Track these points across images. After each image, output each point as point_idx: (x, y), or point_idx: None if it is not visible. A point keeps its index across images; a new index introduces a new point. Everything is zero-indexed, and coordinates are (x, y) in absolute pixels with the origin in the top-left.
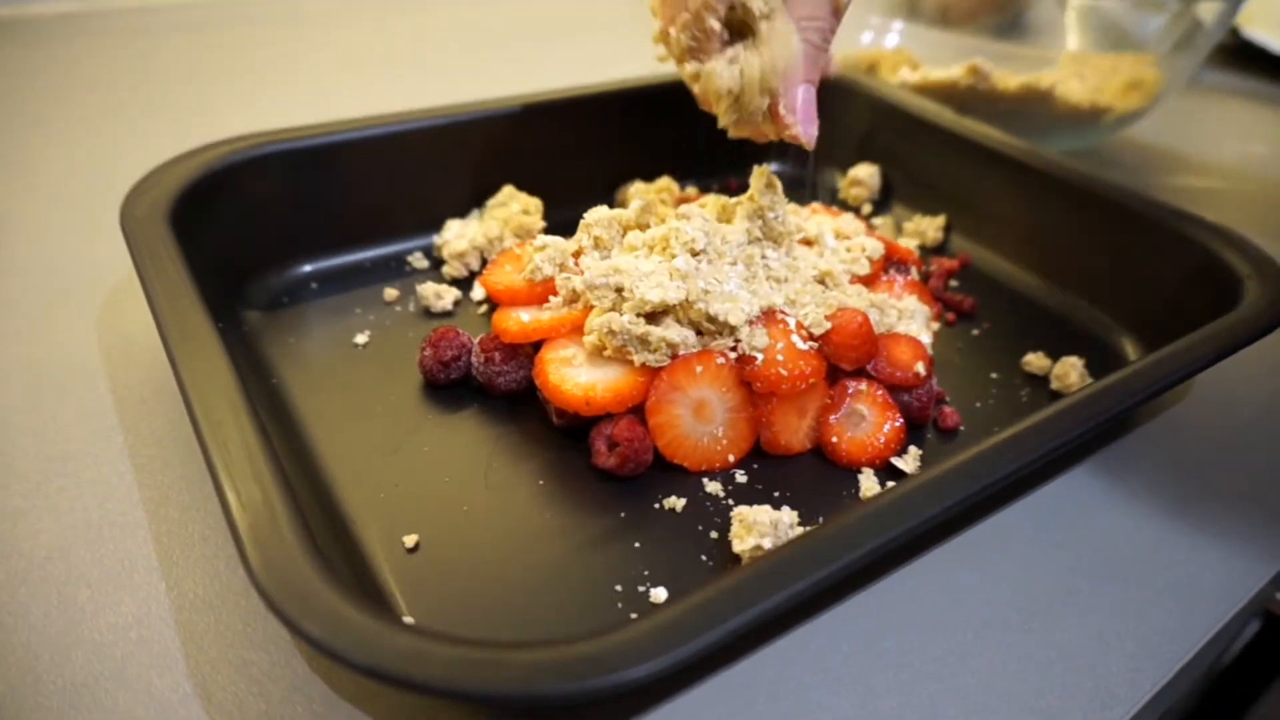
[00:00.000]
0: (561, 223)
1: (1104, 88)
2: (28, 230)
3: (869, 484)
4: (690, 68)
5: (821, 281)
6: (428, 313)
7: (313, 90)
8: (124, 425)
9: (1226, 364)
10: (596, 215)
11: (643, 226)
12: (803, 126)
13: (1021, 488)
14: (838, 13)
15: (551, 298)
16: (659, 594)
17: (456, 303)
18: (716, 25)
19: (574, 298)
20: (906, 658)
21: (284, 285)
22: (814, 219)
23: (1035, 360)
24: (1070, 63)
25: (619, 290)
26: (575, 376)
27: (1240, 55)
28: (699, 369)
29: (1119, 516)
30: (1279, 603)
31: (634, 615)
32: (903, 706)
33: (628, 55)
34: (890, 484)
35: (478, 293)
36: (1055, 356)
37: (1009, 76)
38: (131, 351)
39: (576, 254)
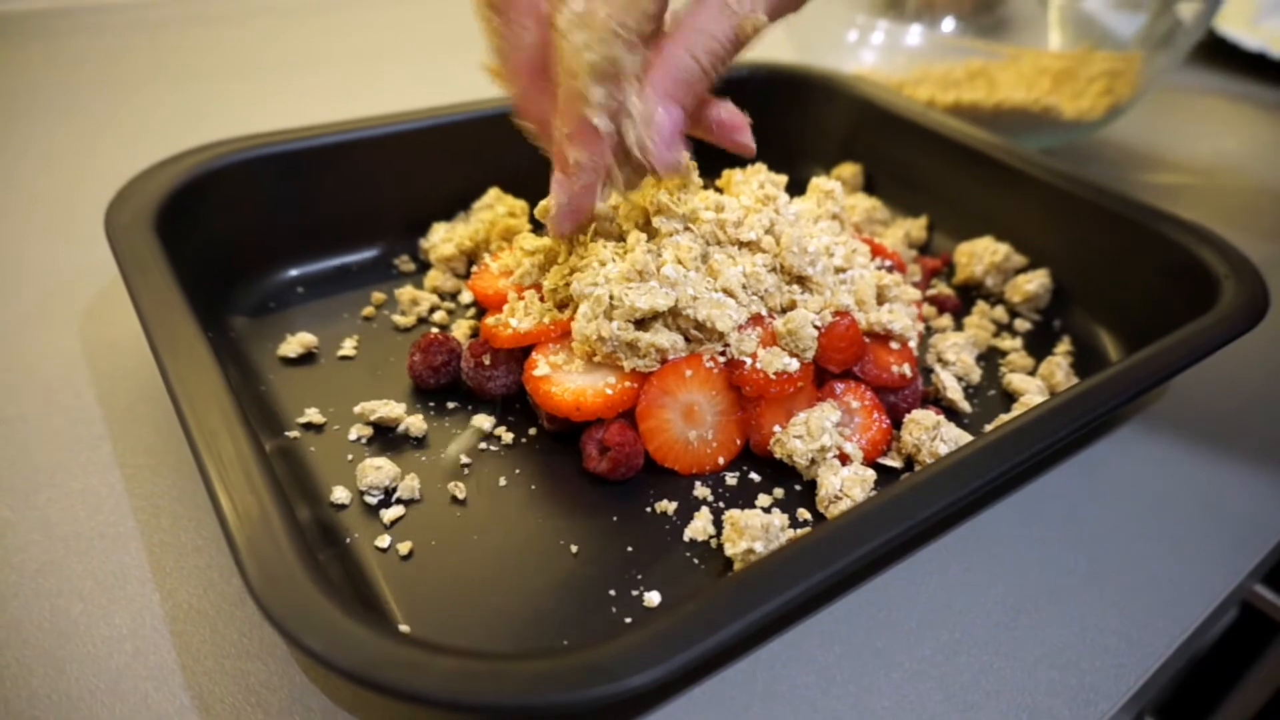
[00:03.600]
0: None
1: (1084, 87)
2: (8, 235)
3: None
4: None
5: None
6: (415, 317)
7: (295, 91)
8: (112, 434)
9: (1203, 362)
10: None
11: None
12: (658, 150)
13: (1007, 487)
14: (738, 42)
15: (539, 301)
16: (652, 598)
17: (444, 306)
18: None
19: (563, 303)
20: (898, 657)
21: (270, 290)
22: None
23: (1018, 359)
24: (1051, 61)
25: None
26: (565, 382)
27: (1212, 51)
28: (688, 373)
29: (1099, 514)
30: (1256, 594)
31: (628, 620)
32: (895, 705)
33: None
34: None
35: (465, 296)
36: (1037, 355)
37: (1014, 90)
38: (117, 358)
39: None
